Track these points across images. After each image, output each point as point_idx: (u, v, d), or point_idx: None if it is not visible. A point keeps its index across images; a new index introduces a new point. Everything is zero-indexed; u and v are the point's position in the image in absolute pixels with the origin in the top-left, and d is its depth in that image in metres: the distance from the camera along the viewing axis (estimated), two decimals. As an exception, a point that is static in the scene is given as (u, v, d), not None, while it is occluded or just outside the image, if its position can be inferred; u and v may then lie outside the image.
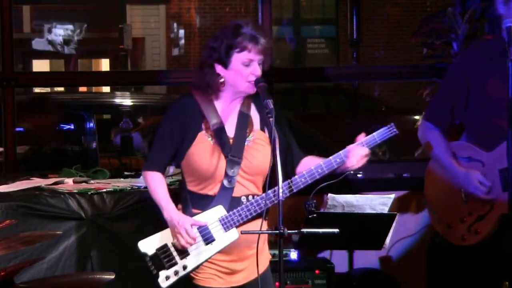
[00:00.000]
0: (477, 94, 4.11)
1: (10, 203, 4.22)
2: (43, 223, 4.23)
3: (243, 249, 3.64)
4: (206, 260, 3.61)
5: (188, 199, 3.67)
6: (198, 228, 3.58)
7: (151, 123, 8.45)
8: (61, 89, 10.89)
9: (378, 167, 5.61)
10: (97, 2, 16.60)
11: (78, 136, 7.50)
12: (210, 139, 3.64)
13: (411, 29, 5.82)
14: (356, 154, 3.59)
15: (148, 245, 3.63)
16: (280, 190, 3.29)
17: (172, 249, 3.61)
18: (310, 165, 3.63)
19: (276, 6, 16.22)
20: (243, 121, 3.68)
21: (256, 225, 3.56)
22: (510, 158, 3.77)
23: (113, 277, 3.49)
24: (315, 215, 3.34)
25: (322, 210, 3.86)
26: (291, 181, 3.59)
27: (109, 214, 4.32)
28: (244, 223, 3.59)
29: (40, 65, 16.64)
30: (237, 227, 3.59)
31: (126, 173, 4.95)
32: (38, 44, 15.97)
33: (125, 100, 8.78)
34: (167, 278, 3.59)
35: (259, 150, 3.66)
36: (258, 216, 3.58)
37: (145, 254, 3.62)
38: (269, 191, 3.55)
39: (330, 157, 3.61)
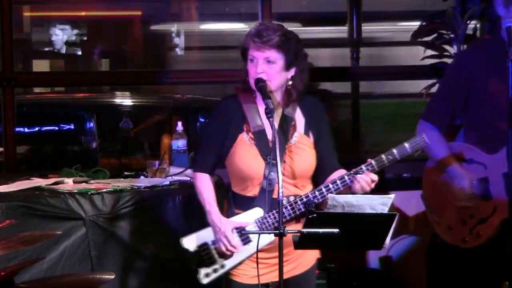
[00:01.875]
0: (476, 94, 4.11)
1: (10, 203, 4.22)
2: (43, 223, 4.22)
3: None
4: (244, 260, 3.66)
5: (231, 199, 3.72)
6: (236, 229, 3.61)
7: (151, 123, 8.45)
8: (61, 89, 10.87)
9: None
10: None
11: (78, 136, 7.49)
12: (250, 141, 3.65)
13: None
14: (363, 180, 3.58)
15: (191, 242, 3.68)
16: (280, 190, 3.30)
17: (212, 247, 3.66)
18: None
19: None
20: (286, 124, 3.68)
21: (292, 227, 3.55)
22: (510, 158, 3.77)
23: (113, 277, 3.49)
24: (315, 215, 3.34)
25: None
26: (321, 188, 3.61)
27: (109, 214, 4.32)
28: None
29: (40, 65, 16.61)
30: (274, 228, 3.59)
31: (126, 173, 4.95)
32: (38, 44, 15.94)
33: (125, 100, 8.77)
34: (207, 275, 3.66)
35: (300, 154, 3.67)
36: (296, 218, 3.61)
37: (186, 250, 3.67)
38: (306, 194, 3.59)
39: (337, 181, 3.62)
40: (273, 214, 3.61)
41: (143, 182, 4.59)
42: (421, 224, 5.28)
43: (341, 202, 3.48)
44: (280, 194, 3.30)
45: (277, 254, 3.50)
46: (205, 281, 3.66)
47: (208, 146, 3.74)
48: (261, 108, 3.64)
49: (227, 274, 3.69)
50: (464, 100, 4.14)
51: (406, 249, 5.32)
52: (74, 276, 3.95)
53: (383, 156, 3.58)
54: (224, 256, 3.64)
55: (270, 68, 3.60)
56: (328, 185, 3.60)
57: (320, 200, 3.61)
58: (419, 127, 4.29)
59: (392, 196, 3.53)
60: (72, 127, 7.71)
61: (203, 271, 3.66)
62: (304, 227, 3.29)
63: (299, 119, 3.73)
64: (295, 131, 3.70)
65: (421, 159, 5.20)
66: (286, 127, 3.68)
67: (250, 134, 3.66)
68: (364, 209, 3.48)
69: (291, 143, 3.68)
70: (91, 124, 7.42)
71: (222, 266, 3.66)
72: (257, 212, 3.64)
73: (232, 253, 3.62)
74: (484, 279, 4.14)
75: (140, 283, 4.30)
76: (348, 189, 3.61)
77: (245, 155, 3.65)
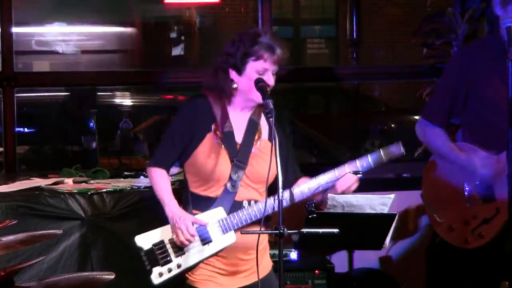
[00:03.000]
0: (475, 94, 4.11)
1: (10, 203, 4.22)
2: (43, 223, 4.23)
3: (239, 254, 3.64)
4: (201, 261, 3.61)
5: (189, 200, 3.68)
6: (196, 228, 3.59)
7: (151, 123, 8.46)
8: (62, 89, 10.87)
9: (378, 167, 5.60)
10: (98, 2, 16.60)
11: (78, 136, 7.50)
12: (218, 141, 3.64)
13: (411, 29, 5.82)
14: (346, 179, 3.62)
15: (145, 240, 3.65)
16: (280, 190, 3.30)
17: (168, 246, 3.62)
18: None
19: (276, 6, 16.23)
20: (252, 129, 3.69)
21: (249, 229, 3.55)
22: (510, 157, 3.77)
23: (113, 277, 3.49)
24: (315, 215, 3.34)
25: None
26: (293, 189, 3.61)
27: (109, 214, 4.32)
28: (243, 227, 3.59)
29: (40, 65, 16.63)
30: (235, 230, 3.59)
31: (126, 173, 4.95)
32: (38, 44, 15.95)
33: (125, 100, 8.78)
34: (160, 275, 3.60)
35: (264, 158, 3.66)
36: (258, 222, 3.58)
37: (140, 249, 3.63)
38: (271, 198, 3.56)
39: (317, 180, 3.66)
40: (237, 214, 3.59)
41: (143, 182, 4.60)
42: (421, 224, 5.29)
43: (341, 202, 3.49)
44: (280, 194, 3.30)
45: (233, 261, 3.59)
46: (157, 281, 3.60)
47: (171, 143, 3.71)
48: (230, 111, 3.68)
49: (185, 279, 3.65)
50: (463, 98, 4.14)
51: (406, 249, 5.32)
52: (74, 276, 3.95)
53: (357, 161, 3.62)
54: (180, 252, 3.59)
55: (273, 80, 3.66)
56: (308, 185, 3.63)
57: (296, 200, 3.62)
58: (418, 125, 4.29)
59: (392, 196, 3.53)
60: (72, 127, 7.72)
61: (156, 270, 3.60)
62: (304, 227, 3.30)
63: (264, 125, 3.74)
64: (261, 137, 3.71)
65: (421, 159, 5.21)
66: (252, 132, 3.69)
67: (218, 133, 3.66)
68: (364, 209, 3.49)
69: (257, 148, 3.69)
70: (91, 124, 7.43)
71: (178, 266, 3.60)
72: (219, 212, 3.61)
73: (189, 242, 3.57)
74: (484, 279, 4.13)
75: (140, 283, 4.29)
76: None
77: (212, 155, 3.64)
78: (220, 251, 3.59)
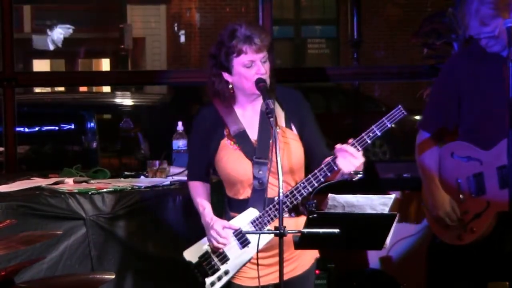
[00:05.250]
0: (467, 97, 4.12)
1: (10, 203, 4.22)
2: (43, 223, 4.22)
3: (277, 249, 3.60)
4: (247, 262, 3.64)
5: (226, 204, 3.73)
6: (233, 233, 3.60)
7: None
8: (62, 89, 10.90)
9: (379, 167, 5.61)
10: (98, 2, 16.62)
11: (78, 136, 7.51)
12: (232, 145, 3.65)
13: (411, 30, 5.82)
14: (344, 155, 3.50)
15: (192, 254, 3.68)
16: (281, 190, 3.29)
17: (213, 255, 3.65)
18: None
19: (276, 6, 16.24)
20: (266, 121, 3.62)
21: (290, 222, 3.52)
22: (510, 158, 3.78)
23: (113, 277, 3.49)
24: (315, 215, 3.33)
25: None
26: (295, 189, 3.59)
27: (110, 214, 4.32)
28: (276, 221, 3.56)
29: (41, 65, 16.65)
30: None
31: (126, 173, 4.95)
32: (38, 43, 15.97)
33: (126, 100, 8.80)
34: (212, 284, 3.64)
35: (284, 148, 3.63)
36: (290, 212, 3.59)
37: (190, 263, 3.67)
38: (292, 188, 3.55)
39: (316, 171, 3.56)
40: (266, 212, 3.58)
41: (143, 182, 4.59)
42: (421, 225, 5.29)
43: (341, 202, 3.48)
44: (281, 194, 3.29)
45: (275, 253, 3.52)
46: None
47: (194, 156, 3.80)
48: (239, 111, 3.67)
49: (231, 279, 3.67)
50: (457, 105, 4.16)
51: (406, 249, 5.32)
52: (74, 276, 3.95)
53: (363, 134, 3.54)
54: (224, 258, 3.62)
55: (266, 67, 3.60)
56: (315, 173, 3.54)
57: (310, 190, 3.57)
58: (418, 136, 4.31)
59: (392, 196, 3.52)
60: (73, 127, 7.73)
61: (208, 281, 3.64)
62: (305, 227, 3.29)
63: (279, 113, 3.70)
64: (276, 126, 3.64)
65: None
66: (267, 124, 3.62)
67: (231, 138, 3.66)
68: (365, 209, 3.48)
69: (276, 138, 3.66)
70: (92, 124, 7.44)
71: (226, 273, 3.64)
72: (251, 213, 3.62)
73: (224, 245, 3.58)
74: (484, 279, 4.14)
75: (140, 283, 4.30)
76: (337, 174, 3.55)
77: (230, 159, 3.64)
78: (260, 250, 3.58)
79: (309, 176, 3.57)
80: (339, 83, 13.59)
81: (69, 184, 4.61)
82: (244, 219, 3.62)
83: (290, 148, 3.64)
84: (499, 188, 3.97)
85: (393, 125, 3.53)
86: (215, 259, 3.64)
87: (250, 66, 3.57)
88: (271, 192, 3.59)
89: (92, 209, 4.30)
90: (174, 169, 4.76)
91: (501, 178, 3.96)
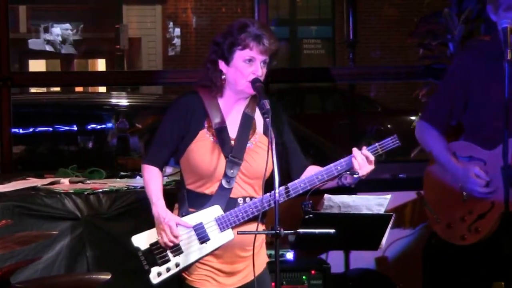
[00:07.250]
0: (475, 96, 4.12)
1: (6, 203, 4.22)
2: (39, 223, 4.22)
3: (236, 251, 3.62)
4: (199, 259, 3.60)
5: (185, 198, 3.65)
6: (193, 227, 3.58)
7: (149, 124, 8.46)
8: (57, 89, 10.88)
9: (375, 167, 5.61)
10: (94, 2, 16.61)
11: (74, 136, 7.49)
12: (211, 137, 3.63)
13: (407, 30, 5.83)
14: (360, 157, 3.56)
15: (142, 240, 3.61)
16: (277, 190, 3.28)
17: None
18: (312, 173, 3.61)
19: (272, 7, 16.24)
20: (247, 123, 3.65)
21: (252, 227, 3.54)
22: (505, 159, 3.78)
23: (109, 277, 3.49)
24: (311, 215, 3.33)
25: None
26: (288, 186, 3.58)
27: (105, 214, 4.32)
28: (240, 224, 3.59)
29: (36, 65, 16.63)
30: (232, 228, 3.58)
31: (122, 173, 4.95)
32: (34, 44, 15.96)
33: (121, 101, 8.77)
34: (159, 274, 3.57)
35: (260, 153, 3.63)
36: (255, 219, 3.54)
37: (137, 249, 3.60)
38: (267, 194, 3.54)
39: (332, 164, 3.59)
40: (234, 212, 3.56)
41: (139, 182, 4.59)
42: (417, 225, 5.29)
43: (337, 202, 3.48)
44: (277, 194, 3.28)
45: (229, 260, 3.57)
46: (155, 281, 3.56)
47: (163, 142, 3.68)
48: (222, 105, 3.65)
49: (183, 279, 3.62)
50: (463, 101, 4.15)
51: (402, 250, 5.32)
52: (70, 276, 3.95)
53: (375, 145, 3.58)
54: (178, 251, 3.56)
55: (263, 70, 3.60)
56: (330, 167, 3.57)
57: (308, 187, 3.57)
58: (418, 127, 4.30)
59: (388, 196, 3.53)
60: (70, 127, 7.72)
61: (154, 270, 3.57)
62: (301, 227, 3.29)
63: (259, 119, 3.70)
64: (255, 131, 3.68)
65: (417, 160, 5.21)
66: (247, 127, 3.66)
67: (211, 130, 3.63)
68: (361, 210, 3.49)
69: (252, 142, 3.66)
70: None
71: (177, 265, 3.57)
72: (216, 210, 3.58)
73: (174, 244, 3.54)
74: (480, 279, 4.14)
75: (136, 283, 4.29)
76: (335, 178, 3.58)
77: (206, 152, 3.60)
78: (218, 248, 3.58)
79: (304, 180, 3.59)
80: (335, 84, 13.60)
81: (65, 184, 4.61)
82: (207, 215, 3.58)
83: (264, 154, 3.54)
84: (503, 189, 3.95)
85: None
86: (168, 250, 3.59)
87: (249, 64, 3.57)
88: (235, 193, 3.60)
89: (87, 209, 4.30)
90: (169, 169, 4.76)
91: (504, 180, 3.93)
